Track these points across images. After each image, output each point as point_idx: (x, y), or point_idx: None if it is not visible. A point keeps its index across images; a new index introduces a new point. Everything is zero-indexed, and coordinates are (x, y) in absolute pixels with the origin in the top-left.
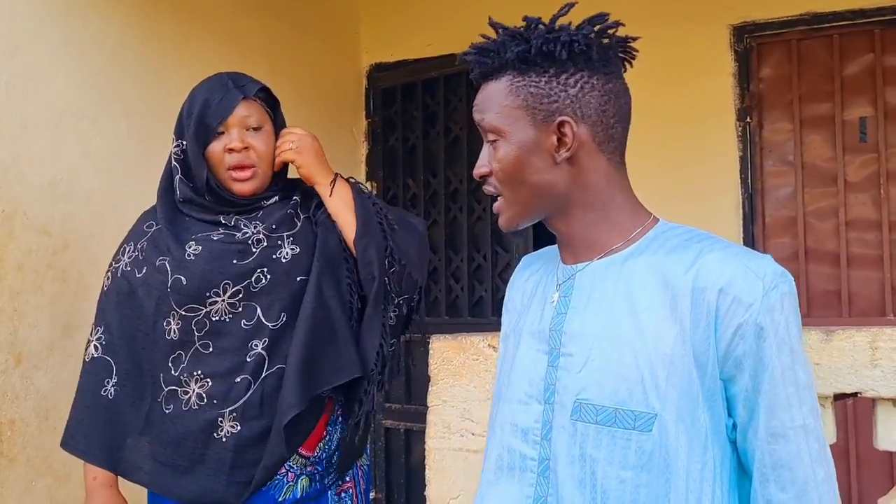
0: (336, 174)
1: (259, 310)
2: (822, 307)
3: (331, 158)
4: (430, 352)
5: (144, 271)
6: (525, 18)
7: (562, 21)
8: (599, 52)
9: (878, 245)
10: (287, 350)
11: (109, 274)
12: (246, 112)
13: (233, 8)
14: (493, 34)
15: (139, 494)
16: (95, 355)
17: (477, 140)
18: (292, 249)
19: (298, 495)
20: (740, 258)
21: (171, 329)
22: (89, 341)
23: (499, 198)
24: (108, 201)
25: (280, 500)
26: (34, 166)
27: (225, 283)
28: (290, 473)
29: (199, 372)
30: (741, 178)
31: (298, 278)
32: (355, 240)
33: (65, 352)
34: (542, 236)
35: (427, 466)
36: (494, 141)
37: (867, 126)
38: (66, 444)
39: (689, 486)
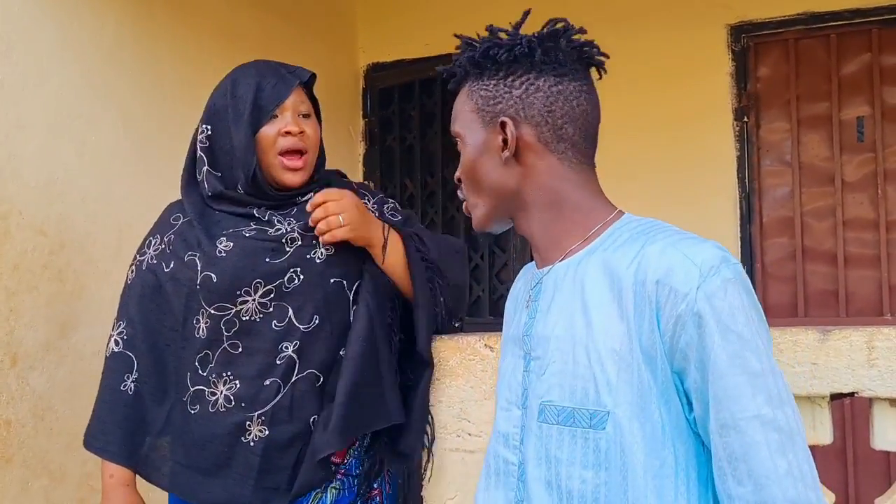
0: (384, 228)
1: (290, 311)
2: (819, 307)
3: (328, 158)
4: None
5: (172, 266)
6: (487, 28)
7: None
8: (547, 55)
9: (875, 245)
10: (318, 354)
11: (133, 267)
12: (299, 98)
13: (229, 7)
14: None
15: (162, 498)
16: (116, 350)
17: None
18: (327, 250)
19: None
20: (679, 247)
21: (200, 328)
22: (110, 336)
23: (466, 202)
24: (103, 201)
25: None
26: (30, 166)
27: (256, 282)
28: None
29: (229, 373)
30: (738, 177)
31: (333, 280)
32: (413, 306)
33: (61, 352)
34: None
35: (424, 467)
36: (459, 147)
37: (864, 125)
38: (86, 444)
39: (648, 483)
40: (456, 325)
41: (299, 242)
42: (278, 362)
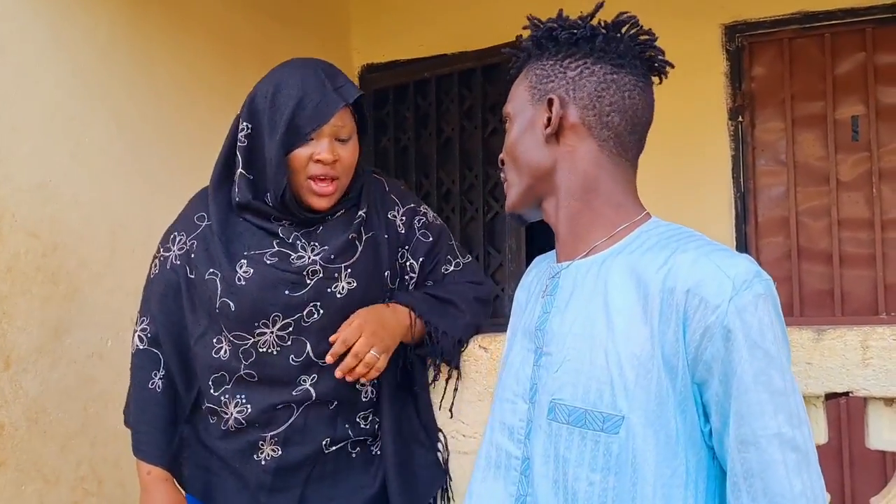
0: (409, 316)
1: (309, 346)
2: (814, 306)
3: None
4: None
5: (195, 275)
6: (558, 13)
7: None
8: (608, 43)
9: (870, 244)
10: (336, 388)
11: (157, 262)
12: (340, 122)
13: (223, 7)
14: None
15: None
16: (141, 347)
17: (469, 141)
18: (349, 283)
19: None
20: (712, 258)
21: (221, 348)
22: (134, 331)
23: (506, 182)
24: (97, 203)
25: None
26: (22, 168)
27: (275, 315)
28: None
29: (242, 397)
30: (733, 177)
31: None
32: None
33: (54, 354)
34: (535, 238)
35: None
36: (507, 126)
37: (859, 125)
38: (133, 450)
39: (657, 490)
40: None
41: (321, 275)
42: (294, 394)
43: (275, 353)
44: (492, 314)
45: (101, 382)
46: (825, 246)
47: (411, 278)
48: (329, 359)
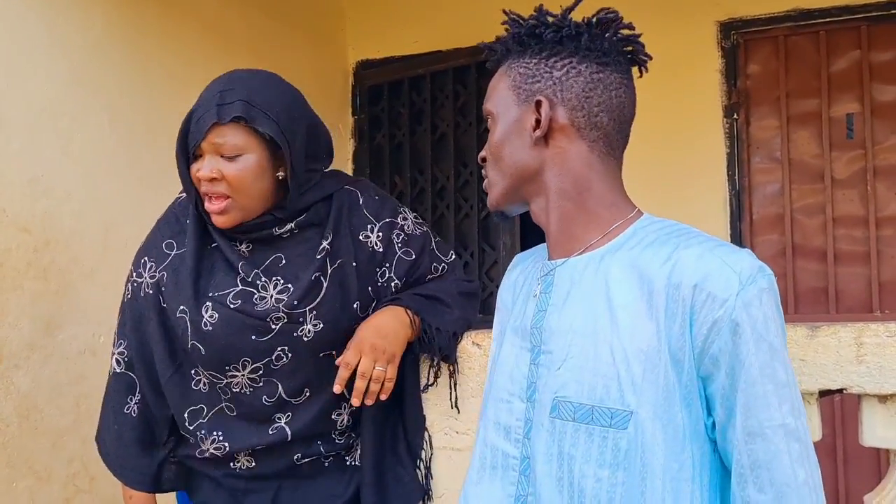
0: (408, 314)
1: (280, 387)
2: (809, 304)
3: None
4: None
5: (167, 307)
6: (536, 9)
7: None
8: (593, 41)
9: (865, 241)
10: (311, 422)
11: (130, 287)
12: (219, 139)
13: (218, 3)
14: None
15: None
16: (117, 371)
17: (464, 137)
18: (315, 326)
19: None
20: (717, 253)
21: (200, 381)
22: (112, 353)
23: (486, 180)
24: (89, 198)
25: None
26: (13, 163)
27: (244, 360)
28: None
29: (220, 434)
30: (728, 174)
31: (322, 354)
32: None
33: (46, 350)
34: (529, 234)
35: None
36: (490, 125)
37: (854, 122)
38: (115, 475)
39: (666, 485)
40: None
41: (285, 320)
42: (270, 432)
43: (248, 392)
44: (485, 311)
45: (93, 379)
46: (820, 243)
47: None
48: (337, 388)
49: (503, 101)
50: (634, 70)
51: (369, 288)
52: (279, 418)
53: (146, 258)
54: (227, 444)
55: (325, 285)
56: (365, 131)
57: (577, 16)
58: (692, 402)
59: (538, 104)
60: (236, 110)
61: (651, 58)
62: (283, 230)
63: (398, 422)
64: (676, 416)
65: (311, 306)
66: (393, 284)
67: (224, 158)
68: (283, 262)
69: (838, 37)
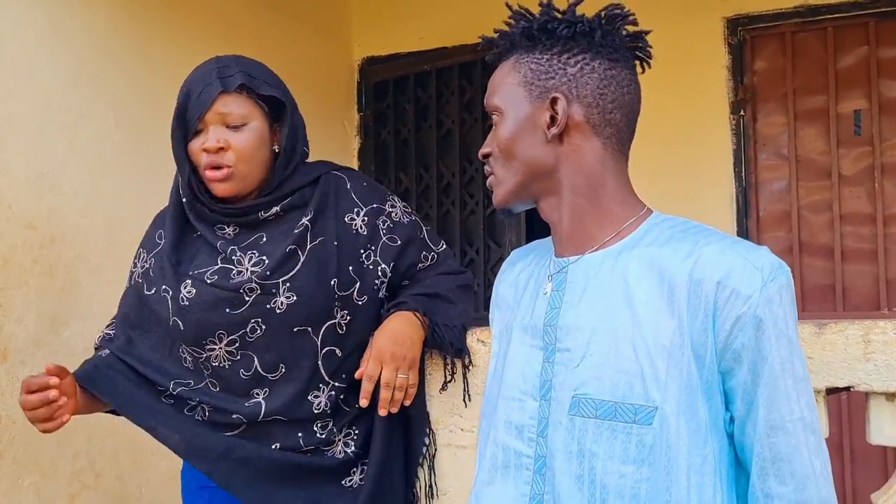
0: (418, 316)
1: (256, 360)
2: (816, 301)
3: (322, 152)
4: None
5: (153, 292)
6: (544, 3)
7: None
8: (605, 37)
9: (872, 239)
10: (286, 400)
11: (129, 275)
12: (225, 108)
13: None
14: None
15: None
16: (95, 344)
17: (469, 133)
18: (288, 298)
19: None
20: (738, 250)
21: (185, 358)
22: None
23: (491, 177)
24: (95, 194)
25: None
26: (19, 159)
27: (220, 333)
28: None
29: (202, 400)
30: (735, 171)
31: (296, 329)
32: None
33: (52, 347)
34: (534, 230)
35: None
36: (494, 120)
37: (861, 119)
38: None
39: (691, 479)
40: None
41: (258, 292)
42: (247, 405)
43: (227, 366)
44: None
45: None
46: (827, 240)
47: (382, 283)
48: (363, 402)
49: (513, 97)
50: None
51: (350, 267)
52: (257, 393)
53: (140, 250)
54: (208, 410)
55: (301, 259)
56: (370, 128)
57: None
58: (713, 397)
59: (554, 101)
60: (240, 79)
61: (651, 52)
62: (268, 213)
63: (402, 431)
64: (699, 411)
65: (284, 278)
66: (380, 269)
67: (229, 129)
68: (264, 239)
69: (846, 33)
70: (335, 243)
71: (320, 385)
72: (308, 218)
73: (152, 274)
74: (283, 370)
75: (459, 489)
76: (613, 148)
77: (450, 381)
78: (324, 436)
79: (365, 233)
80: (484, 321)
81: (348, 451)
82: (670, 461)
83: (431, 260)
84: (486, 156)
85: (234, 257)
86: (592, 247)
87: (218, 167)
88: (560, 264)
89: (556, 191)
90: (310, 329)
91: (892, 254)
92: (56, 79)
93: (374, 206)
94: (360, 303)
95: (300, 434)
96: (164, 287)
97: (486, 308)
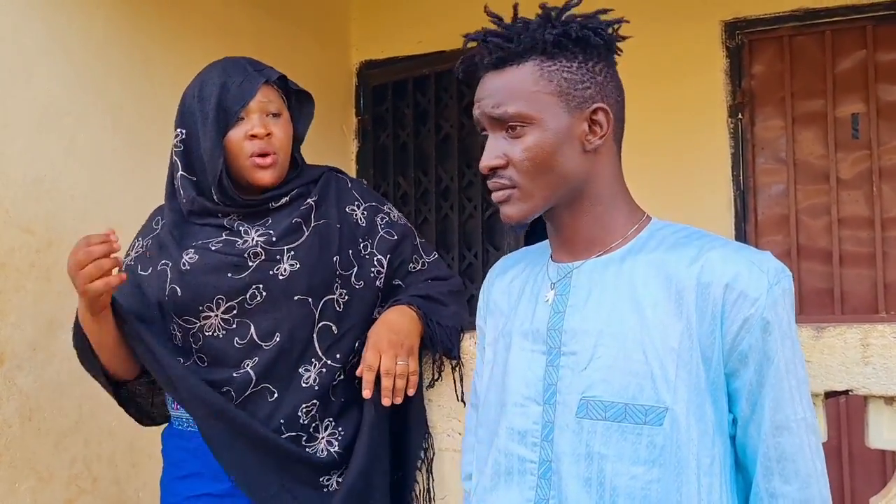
0: (412, 308)
1: (253, 328)
2: (814, 305)
3: (321, 156)
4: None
5: (150, 272)
6: (542, 6)
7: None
8: (611, 44)
9: (870, 242)
10: (277, 371)
11: (122, 265)
12: (266, 98)
13: (222, 4)
14: (491, 24)
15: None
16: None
17: (469, 137)
18: (291, 265)
19: None
20: (744, 253)
21: (175, 335)
22: None
23: (510, 190)
24: (93, 198)
25: None
26: (17, 163)
27: (218, 298)
28: None
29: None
30: (733, 175)
31: (297, 297)
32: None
33: (48, 351)
34: (533, 236)
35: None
36: (515, 129)
37: (859, 123)
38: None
39: (701, 479)
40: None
41: (262, 257)
42: (235, 375)
43: (220, 336)
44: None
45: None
46: (825, 244)
47: (378, 273)
48: (366, 393)
49: (547, 106)
50: (637, 69)
51: (350, 251)
52: (247, 364)
53: (135, 240)
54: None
55: (305, 232)
56: (369, 131)
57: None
58: (719, 399)
59: (595, 111)
60: (276, 72)
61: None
62: (278, 203)
63: (389, 438)
64: (706, 412)
65: (289, 246)
66: (376, 260)
67: (269, 117)
68: (270, 221)
69: (844, 36)
70: (338, 226)
71: (312, 360)
72: (313, 200)
73: (148, 255)
74: (278, 338)
75: (458, 493)
76: (620, 154)
77: (437, 380)
78: (306, 422)
79: (363, 225)
80: None
81: (331, 450)
82: (681, 462)
83: (422, 266)
84: (497, 168)
85: (240, 229)
86: (597, 252)
87: (265, 154)
88: (564, 269)
89: (578, 200)
90: (310, 300)
91: (890, 257)
92: (54, 83)
93: (373, 204)
94: (357, 287)
95: (283, 416)
96: (162, 261)
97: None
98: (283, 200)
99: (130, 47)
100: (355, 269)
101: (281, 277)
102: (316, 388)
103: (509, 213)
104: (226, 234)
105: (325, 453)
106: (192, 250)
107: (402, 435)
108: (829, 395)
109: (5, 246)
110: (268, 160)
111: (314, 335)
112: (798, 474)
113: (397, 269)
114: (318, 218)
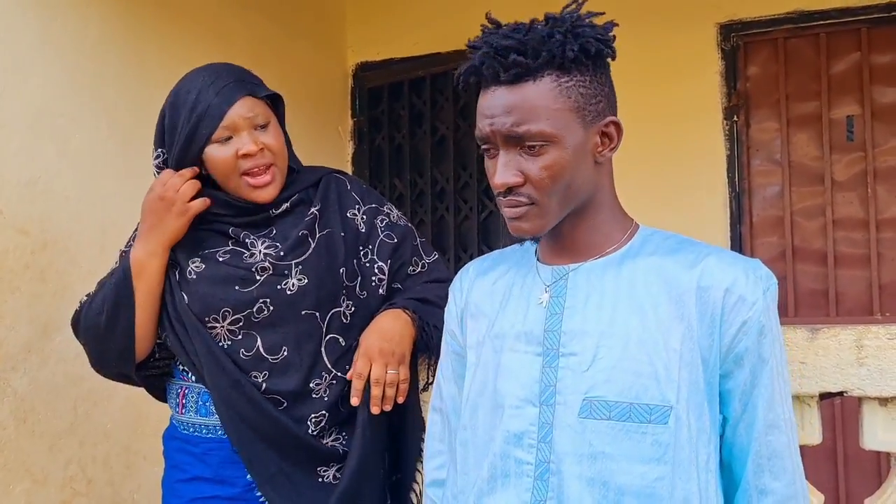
0: (408, 314)
1: (259, 340)
2: (809, 306)
3: (316, 158)
4: None
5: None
6: (547, 15)
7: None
8: (614, 53)
9: (865, 244)
10: (286, 385)
11: (119, 255)
12: (250, 111)
13: (217, 5)
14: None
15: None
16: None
17: (464, 139)
18: (299, 280)
19: None
20: (739, 260)
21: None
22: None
23: (527, 207)
24: (87, 200)
25: None
26: (11, 165)
27: (225, 310)
28: None
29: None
30: (728, 177)
31: (304, 312)
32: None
33: (43, 353)
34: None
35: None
36: (535, 148)
37: (854, 125)
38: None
39: (700, 476)
40: None
41: (270, 272)
42: (243, 382)
43: (226, 346)
44: None
45: (91, 381)
46: (820, 246)
47: (380, 280)
48: (354, 400)
49: (566, 123)
50: (633, 72)
51: (354, 261)
52: (256, 377)
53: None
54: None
55: (312, 245)
56: (364, 133)
57: (508, 17)
58: (713, 398)
59: (609, 125)
60: (252, 81)
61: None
62: (279, 210)
63: (387, 431)
64: (704, 411)
65: (297, 260)
66: (377, 267)
67: (258, 129)
68: (275, 231)
69: (838, 39)
70: (342, 234)
71: (322, 373)
72: (316, 209)
73: None
74: (286, 353)
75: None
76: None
77: (431, 383)
78: (315, 432)
79: (364, 230)
80: None
81: (336, 444)
82: (683, 459)
83: (422, 268)
84: (516, 186)
85: (247, 241)
86: (594, 256)
87: (261, 171)
88: (559, 272)
89: (583, 209)
90: (317, 314)
91: (884, 259)
92: (48, 85)
93: (373, 205)
94: (361, 297)
95: (292, 423)
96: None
97: None
98: (284, 207)
99: (125, 49)
100: (359, 279)
101: (289, 292)
102: (326, 398)
103: (525, 229)
104: (232, 245)
105: (330, 446)
106: (199, 259)
107: (400, 437)
108: (824, 396)
109: (0, 247)
110: (266, 178)
111: (322, 349)
112: (786, 471)
113: (396, 272)
114: (323, 227)
